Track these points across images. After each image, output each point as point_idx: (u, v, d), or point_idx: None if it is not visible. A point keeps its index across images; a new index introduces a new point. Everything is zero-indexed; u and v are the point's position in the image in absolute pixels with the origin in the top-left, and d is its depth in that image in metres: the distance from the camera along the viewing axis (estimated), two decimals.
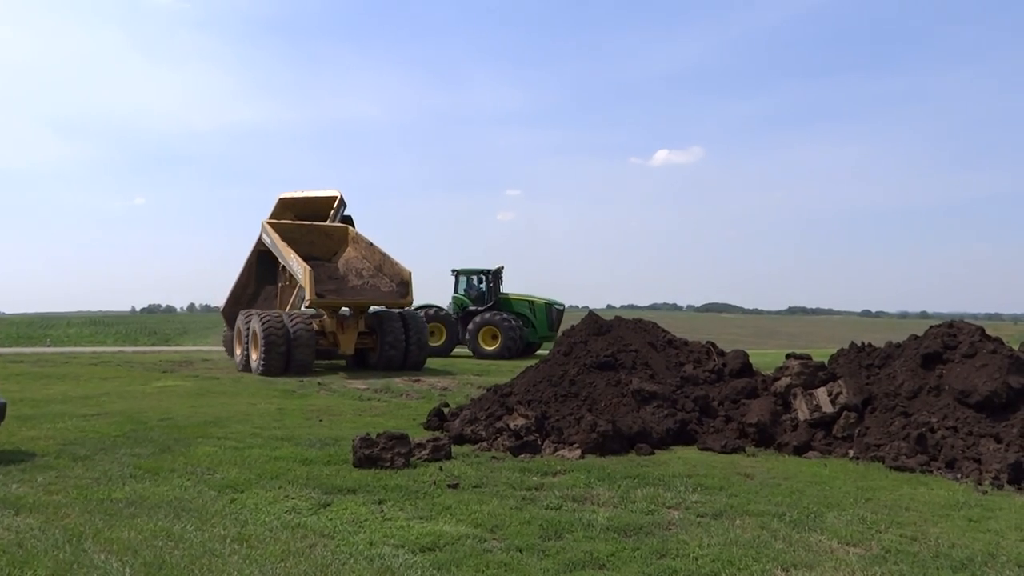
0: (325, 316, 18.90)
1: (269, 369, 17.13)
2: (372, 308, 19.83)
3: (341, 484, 6.53)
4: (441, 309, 26.64)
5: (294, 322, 17.77)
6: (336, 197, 22.41)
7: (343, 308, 18.95)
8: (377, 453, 7.30)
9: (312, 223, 20.73)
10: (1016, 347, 9.08)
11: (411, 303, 19.12)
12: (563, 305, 27.45)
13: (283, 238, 19.38)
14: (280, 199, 22.88)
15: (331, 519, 5.54)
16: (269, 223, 20.22)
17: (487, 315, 25.46)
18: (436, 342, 25.82)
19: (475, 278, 27.23)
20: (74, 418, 10.09)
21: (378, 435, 7.55)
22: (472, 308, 26.31)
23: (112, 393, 13.40)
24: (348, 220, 23.22)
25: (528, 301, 26.63)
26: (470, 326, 25.56)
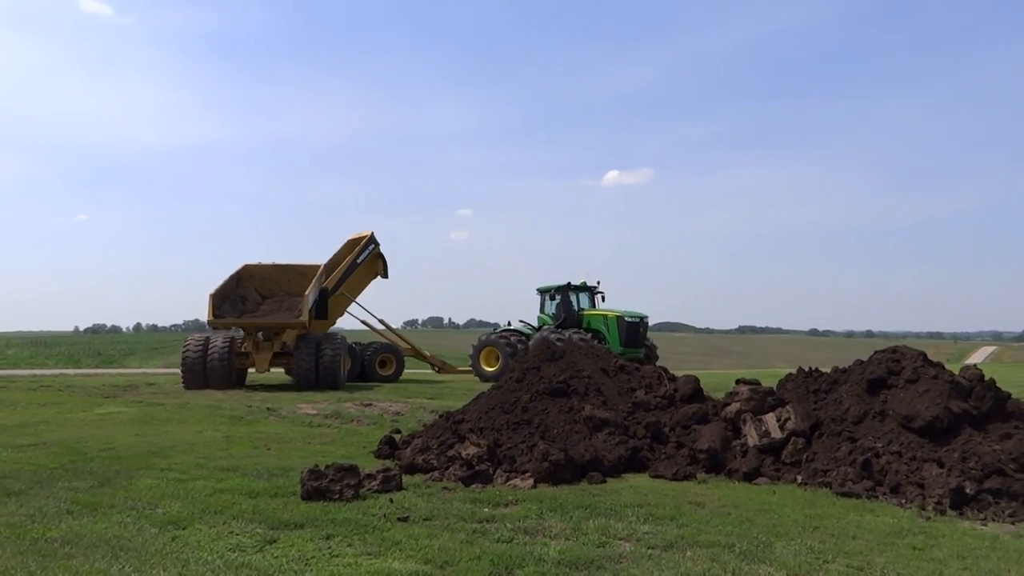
0: (245, 338, 21.31)
1: (187, 383, 19.79)
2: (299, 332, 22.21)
3: (288, 518, 6.37)
4: (504, 333, 25.87)
5: (212, 343, 20.32)
6: (365, 237, 25.02)
7: (259, 331, 21.12)
8: (326, 485, 7.16)
9: (287, 264, 22.85)
10: (958, 370, 9.31)
11: (303, 324, 21.03)
12: (638, 316, 25.39)
13: (261, 277, 22.28)
14: (348, 240, 25.81)
15: (276, 557, 5.39)
16: (245, 265, 22.30)
17: (546, 334, 23.63)
18: (492, 367, 25.39)
19: (551, 296, 26.35)
20: (9, 448, 9.71)
21: (327, 466, 7.41)
22: (548, 327, 25.21)
23: (51, 421, 12.95)
24: (381, 257, 25.52)
25: (603, 316, 25.26)
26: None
